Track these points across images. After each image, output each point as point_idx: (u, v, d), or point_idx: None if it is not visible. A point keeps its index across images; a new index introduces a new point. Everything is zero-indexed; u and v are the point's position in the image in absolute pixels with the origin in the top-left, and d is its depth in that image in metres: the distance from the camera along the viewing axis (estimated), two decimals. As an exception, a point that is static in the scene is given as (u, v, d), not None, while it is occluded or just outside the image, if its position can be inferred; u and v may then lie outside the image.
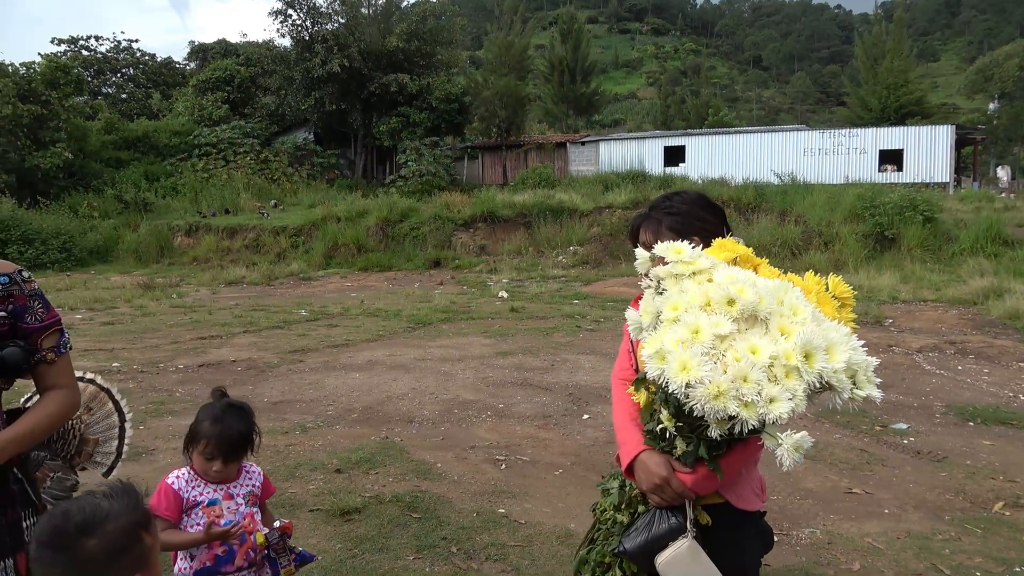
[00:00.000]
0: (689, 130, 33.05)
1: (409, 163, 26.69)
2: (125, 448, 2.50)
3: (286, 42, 30.35)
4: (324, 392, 6.45)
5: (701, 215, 1.85)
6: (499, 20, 34.48)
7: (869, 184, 19.38)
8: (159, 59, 43.13)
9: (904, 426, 5.51)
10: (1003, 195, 22.11)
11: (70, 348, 1.79)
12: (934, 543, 3.52)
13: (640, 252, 1.59)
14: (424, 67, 30.11)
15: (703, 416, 1.34)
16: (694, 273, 1.45)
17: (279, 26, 29.45)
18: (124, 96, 40.58)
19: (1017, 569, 3.22)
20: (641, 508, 1.63)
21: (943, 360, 7.88)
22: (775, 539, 3.56)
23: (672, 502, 1.56)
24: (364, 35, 28.80)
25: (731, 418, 1.32)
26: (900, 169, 25.31)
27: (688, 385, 1.32)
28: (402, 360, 7.76)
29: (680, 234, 1.77)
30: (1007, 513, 3.94)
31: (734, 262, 1.52)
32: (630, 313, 1.56)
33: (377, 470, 4.41)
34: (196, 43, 41.27)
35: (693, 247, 1.51)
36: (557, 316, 10.92)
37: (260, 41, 33.40)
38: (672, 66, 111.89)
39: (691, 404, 1.33)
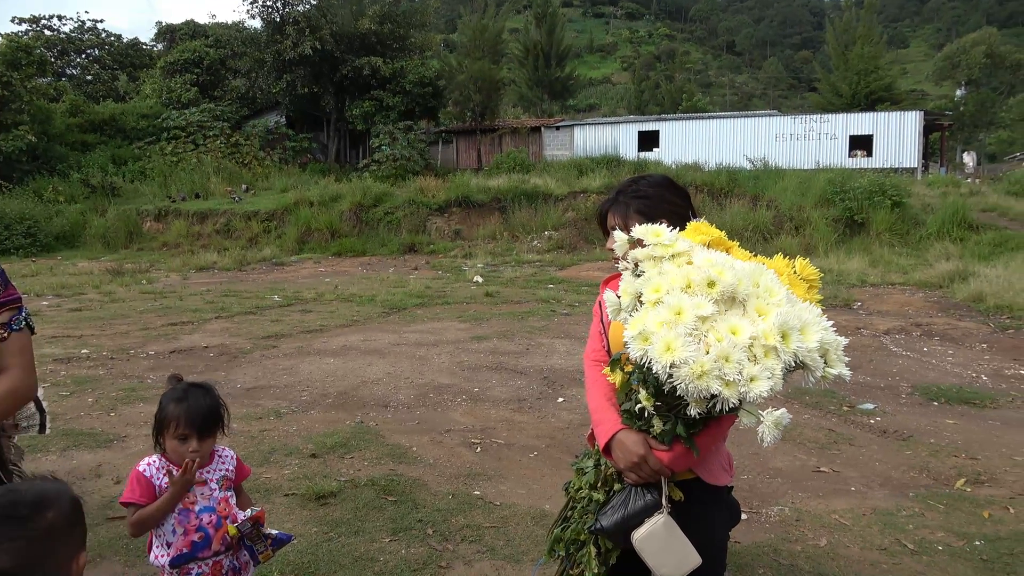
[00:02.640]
0: (663, 115, 33.18)
1: (383, 147, 26.48)
2: (43, 401, 2.38)
3: (256, 23, 29.91)
4: (298, 377, 6.42)
5: (669, 198, 1.87)
6: (473, 3, 34.16)
7: (839, 169, 19.63)
8: (125, 40, 42.18)
9: (871, 406, 5.63)
10: (969, 180, 22.53)
11: (25, 327, 1.72)
12: (898, 519, 3.61)
13: (618, 235, 1.61)
14: (397, 50, 29.80)
15: (682, 395, 1.37)
16: (673, 256, 1.47)
17: (249, 7, 29.02)
18: (89, 78, 39.63)
19: (978, 543, 3.32)
20: (617, 486, 1.65)
21: (909, 342, 8.05)
22: (743, 515, 3.64)
23: (648, 479, 1.59)
24: (336, 17, 28.40)
25: (712, 397, 1.35)
26: (870, 155, 25.65)
27: (673, 365, 1.34)
28: (377, 345, 7.75)
29: (649, 217, 1.79)
30: (968, 489, 4.05)
31: (707, 245, 1.55)
32: (608, 295, 1.58)
33: (352, 454, 4.41)
34: (164, 24, 40.50)
35: (672, 231, 1.53)
36: (532, 300, 10.95)
37: (230, 22, 32.95)
38: (646, 51, 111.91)
39: (675, 384, 1.35)
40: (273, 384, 6.24)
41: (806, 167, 22.51)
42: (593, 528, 1.64)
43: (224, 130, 29.00)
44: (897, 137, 25.62)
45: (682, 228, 1.76)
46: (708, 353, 1.33)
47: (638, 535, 1.55)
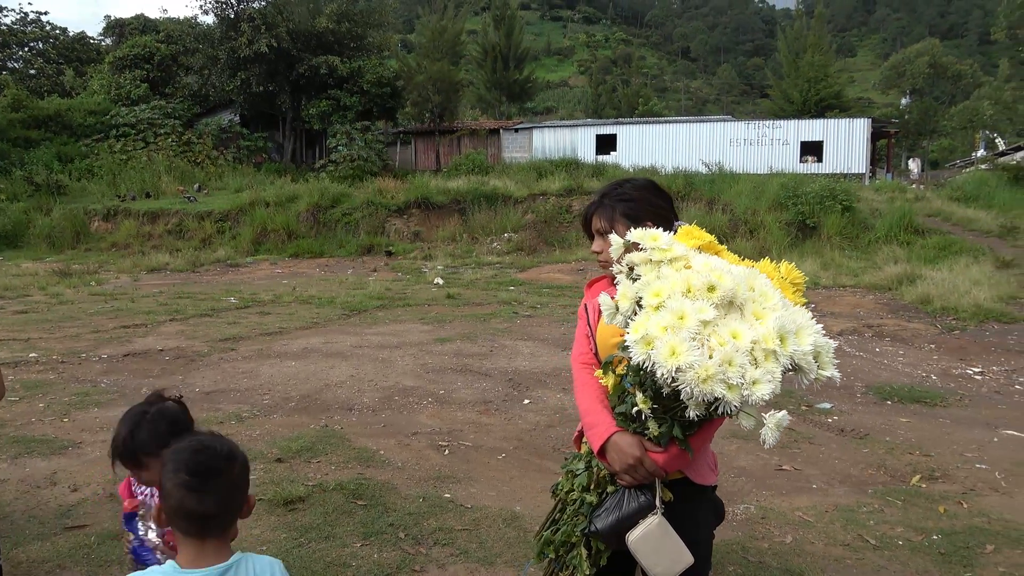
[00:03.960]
0: (620, 119, 33.54)
1: (340, 147, 26.17)
2: None
3: (210, 20, 29.33)
4: (259, 381, 6.30)
5: (653, 201, 1.90)
6: (432, 4, 34.03)
7: (791, 174, 20.12)
8: (71, 33, 40.88)
9: (828, 405, 5.78)
10: (914, 186, 23.30)
11: None
12: (859, 515, 3.72)
13: (614, 238, 1.62)
14: (355, 50, 29.50)
15: (681, 398, 1.39)
16: (671, 260, 1.49)
17: (202, 3, 28.37)
18: (33, 72, 38.28)
19: (935, 537, 3.43)
20: (610, 488, 1.66)
21: (862, 343, 8.29)
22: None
23: (643, 481, 1.61)
24: (293, 15, 27.98)
25: (715, 400, 1.37)
26: (820, 160, 26.33)
27: (678, 370, 1.36)
28: (339, 347, 7.65)
29: (634, 220, 1.82)
30: (923, 485, 4.19)
31: (699, 249, 1.57)
32: (603, 298, 1.59)
33: (319, 458, 4.35)
34: (112, 18, 39.25)
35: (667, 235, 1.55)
36: (494, 302, 10.95)
37: (182, 18, 32.08)
38: (603, 55, 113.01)
39: (679, 387, 1.37)
40: (233, 387, 6.11)
41: (759, 172, 22.99)
42: (587, 530, 1.65)
43: (176, 128, 28.29)
44: (846, 143, 26.36)
45: (667, 231, 1.79)
46: (712, 357, 1.35)
47: (633, 536, 1.56)
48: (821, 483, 4.22)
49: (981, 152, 35.28)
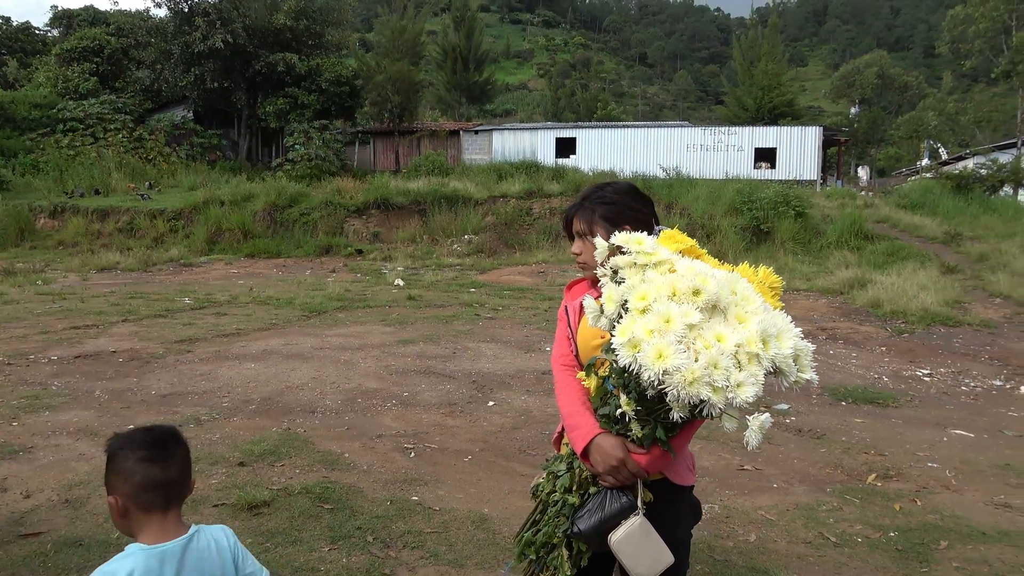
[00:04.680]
0: (580, 123, 33.80)
1: (297, 146, 25.80)
2: None
3: (163, 13, 28.54)
4: (218, 383, 6.17)
5: (633, 205, 1.92)
6: (392, 3, 33.76)
7: (746, 180, 20.53)
8: (15, 23, 39.48)
9: (786, 407, 5.91)
10: (863, 193, 23.97)
11: None
12: (819, 513, 3.81)
13: (599, 241, 1.64)
14: (313, 47, 29.13)
15: (667, 401, 1.41)
16: (656, 264, 1.51)
17: (155, -5, 27.65)
18: (-27, 62, 36.92)
19: (892, 534, 3.54)
20: (592, 489, 1.68)
21: (817, 345, 8.48)
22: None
23: (625, 483, 1.62)
24: (249, 10, 27.50)
25: (700, 402, 1.39)
26: (773, 167, 26.93)
27: (665, 372, 1.37)
28: (299, 349, 7.54)
29: (614, 223, 1.84)
30: (879, 484, 4.32)
31: (681, 253, 1.59)
32: (588, 301, 1.60)
33: (282, 462, 4.28)
34: (60, 8, 38.05)
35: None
36: (455, 304, 10.92)
37: (133, 11, 31.22)
38: (562, 59, 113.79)
39: (666, 390, 1.39)
40: (191, 390, 5.98)
41: (716, 177, 23.40)
42: (570, 532, 1.66)
43: (126, 123, 27.55)
44: (799, 150, 27.02)
45: (648, 235, 1.81)
46: (698, 360, 1.37)
47: (616, 537, 1.58)
48: (781, 482, 4.32)
49: (926, 161, 36.52)
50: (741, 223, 17.04)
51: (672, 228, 1.72)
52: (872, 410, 5.96)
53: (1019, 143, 29.58)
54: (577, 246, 1.93)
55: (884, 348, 8.38)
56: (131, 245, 18.21)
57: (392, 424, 5.19)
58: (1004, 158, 23.66)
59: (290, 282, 13.44)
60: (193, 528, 1.59)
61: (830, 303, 11.23)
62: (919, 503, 3.99)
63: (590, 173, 23.74)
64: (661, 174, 22.93)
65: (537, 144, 29.15)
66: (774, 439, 5.11)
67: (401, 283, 13.17)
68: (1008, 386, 6.96)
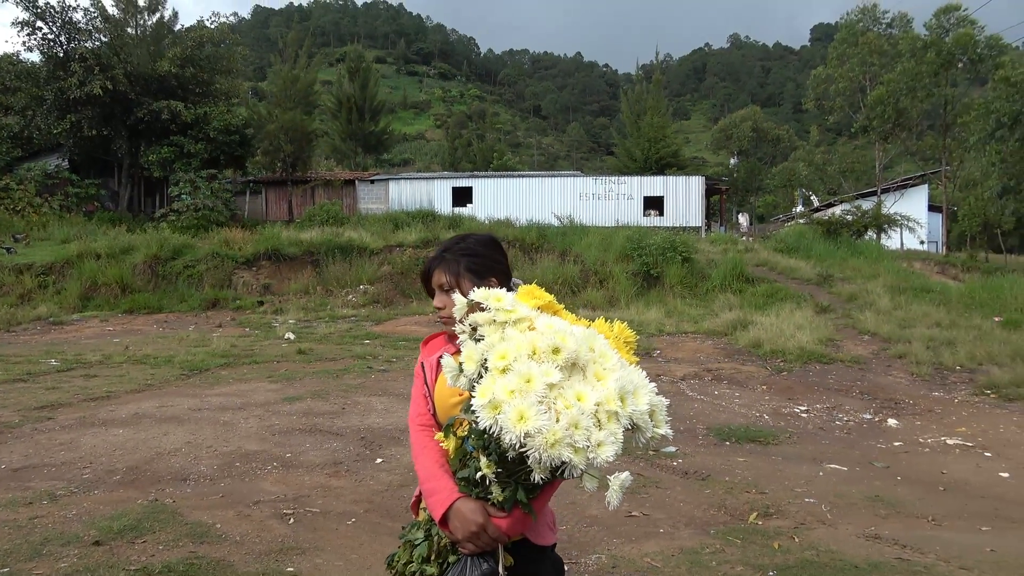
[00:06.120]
0: (476, 172, 34.24)
1: (183, 196, 24.81)
2: None
3: (35, 57, 27.06)
4: (79, 453, 5.68)
5: (496, 256, 1.90)
6: (283, 53, 33.38)
7: (636, 227, 21.28)
8: None
9: (673, 449, 6.02)
10: (743, 238, 25.35)
11: None
12: (703, 556, 3.85)
13: (458, 298, 1.59)
14: (201, 95, 28.34)
15: (528, 463, 1.37)
16: (516, 321, 1.48)
17: (26, 39, 26.21)
18: None
19: (771, 573, 3.61)
20: (452, 558, 1.60)
21: (703, 386, 8.76)
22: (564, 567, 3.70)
23: (486, 548, 1.56)
24: (131, 56, 26.54)
25: (562, 464, 1.35)
26: (661, 214, 28.11)
27: (527, 435, 1.33)
28: (174, 411, 7.08)
29: (479, 275, 1.80)
30: (760, 522, 4.42)
31: (539, 309, 1.57)
32: (447, 360, 1.55)
33: (144, 538, 3.94)
34: (-85, 50, 35.38)
35: (496, 290, 1.54)
36: (348, 357, 10.63)
37: (2, 54, 29.43)
38: (458, 110, 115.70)
39: (527, 452, 1.35)
40: (47, 462, 5.47)
41: (607, 224, 24.17)
42: None
43: (-9, 172, 25.71)
44: (684, 199, 28.36)
45: (505, 286, 1.79)
46: (559, 421, 1.35)
47: None
48: (668, 527, 4.35)
49: (799, 208, 39.13)
50: (632, 269, 17.57)
51: (530, 283, 1.70)
52: (754, 448, 6.16)
53: (879, 191, 32.22)
54: (440, 300, 1.88)
55: (765, 387, 8.73)
56: (-8, 303, 16.78)
57: (271, 488, 4.91)
58: (867, 205, 25.67)
59: (171, 339, 12.73)
60: None
61: (715, 344, 11.66)
62: (797, 540, 4.10)
63: (487, 222, 24.01)
64: (555, 222, 23.46)
65: (434, 193, 29.29)
66: (661, 483, 5.17)
67: (292, 336, 12.73)
68: (877, 419, 7.38)
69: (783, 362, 10.15)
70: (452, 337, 1.85)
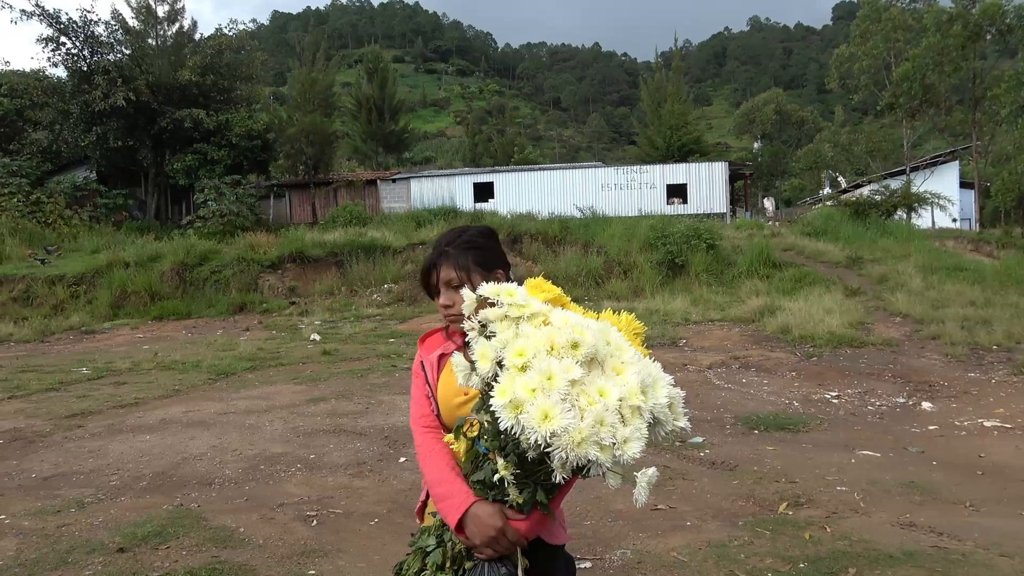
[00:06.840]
0: (497, 167, 34.19)
1: (208, 203, 25.08)
2: None
3: (60, 72, 27.52)
4: (107, 460, 5.74)
5: (498, 248, 1.83)
6: (301, 57, 33.60)
7: (659, 216, 21.05)
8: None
9: (700, 439, 5.92)
10: (769, 223, 24.98)
11: None
12: (731, 549, 3.76)
13: (467, 293, 1.52)
14: (222, 102, 28.61)
15: (553, 462, 1.32)
16: (530, 316, 1.42)
17: (51, 55, 26.66)
18: None
19: (802, 565, 3.51)
20: (468, 564, 1.55)
21: (730, 374, 8.62)
22: (588, 563, 3.63)
23: (505, 552, 1.51)
24: (153, 67, 26.85)
25: (587, 462, 1.30)
26: (685, 202, 27.80)
27: (552, 434, 1.28)
28: (201, 416, 7.14)
29: (486, 268, 1.73)
30: (790, 513, 4.31)
31: (548, 302, 1.51)
32: (457, 358, 1.49)
33: (168, 544, 3.96)
34: (-54, 71, 36.21)
35: (514, 284, 1.49)
36: (372, 356, 10.65)
37: (28, 71, 29.99)
38: (478, 106, 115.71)
39: (552, 452, 1.30)
40: (76, 470, 5.53)
41: (630, 214, 23.94)
42: None
43: (22, 187, 26.15)
44: (708, 185, 28.01)
45: (507, 277, 1.72)
46: (584, 419, 1.29)
47: None
48: (695, 520, 4.26)
49: (827, 190, 38.48)
50: (656, 258, 17.38)
51: (537, 277, 1.62)
52: (783, 437, 6.03)
53: (907, 170, 31.53)
54: (447, 297, 1.77)
55: (794, 373, 8.57)
56: (27, 314, 17.11)
57: (295, 490, 4.91)
58: (895, 184, 25.12)
59: (199, 344, 12.87)
60: None
61: (743, 331, 11.47)
62: (828, 530, 3.99)
63: (508, 216, 23.93)
64: (577, 214, 23.32)
65: (455, 190, 29.27)
66: (688, 474, 5.08)
67: (317, 337, 12.80)
68: (911, 403, 7.20)
69: (813, 347, 9.95)
70: (452, 333, 1.78)
